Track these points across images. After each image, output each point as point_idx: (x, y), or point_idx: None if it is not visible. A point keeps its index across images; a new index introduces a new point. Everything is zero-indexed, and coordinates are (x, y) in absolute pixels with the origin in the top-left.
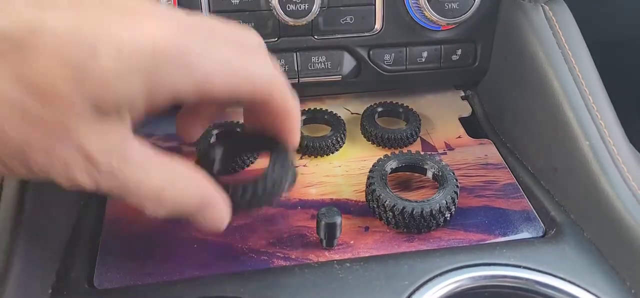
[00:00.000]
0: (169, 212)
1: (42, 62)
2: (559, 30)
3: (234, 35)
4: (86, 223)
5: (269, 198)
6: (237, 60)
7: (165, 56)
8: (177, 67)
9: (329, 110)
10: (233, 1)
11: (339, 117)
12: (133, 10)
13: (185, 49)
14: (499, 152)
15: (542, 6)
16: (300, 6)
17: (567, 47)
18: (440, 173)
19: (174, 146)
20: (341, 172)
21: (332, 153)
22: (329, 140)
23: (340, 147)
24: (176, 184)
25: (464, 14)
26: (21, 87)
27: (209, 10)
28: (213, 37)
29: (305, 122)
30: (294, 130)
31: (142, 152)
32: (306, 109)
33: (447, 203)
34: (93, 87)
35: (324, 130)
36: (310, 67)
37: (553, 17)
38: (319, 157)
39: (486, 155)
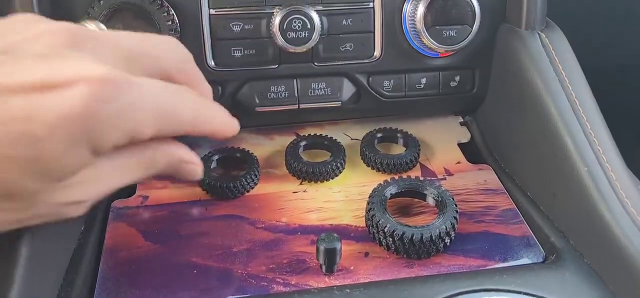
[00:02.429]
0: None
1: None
2: (556, 57)
3: (158, 62)
4: (86, 249)
5: None
6: (165, 101)
7: (99, 120)
8: (110, 125)
9: (329, 136)
10: (234, 29)
11: (339, 142)
12: (58, 78)
13: (115, 108)
14: (498, 178)
15: (538, 34)
16: (300, 34)
17: (563, 74)
18: (440, 199)
19: None
20: (341, 197)
21: (332, 178)
22: (329, 166)
23: (340, 172)
24: (149, 163)
25: (461, 42)
26: None
27: (211, 38)
28: (138, 77)
29: (305, 148)
30: (219, 137)
31: (104, 169)
32: (306, 135)
33: (447, 229)
34: (45, 173)
35: (324, 156)
36: (311, 93)
37: (549, 45)
38: (318, 182)
39: (485, 181)
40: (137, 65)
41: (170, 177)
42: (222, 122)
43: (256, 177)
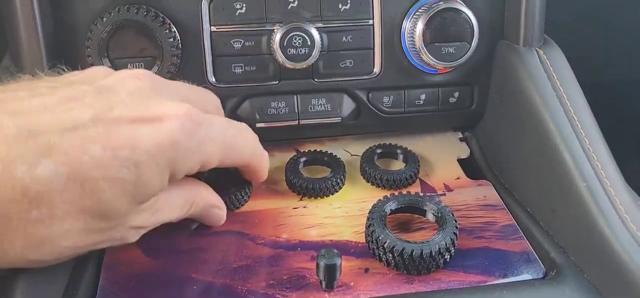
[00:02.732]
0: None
1: (95, 191)
2: (554, 74)
3: (208, 102)
4: (86, 265)
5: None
6: (230, 139)
7: (183, 150)
8: (190, 156)
9: (329, 152)
10: (235, 46)
11: (339, 158)
12: (150, 114)
13: (196, 142)
14: (498, 193)
15: (536, 50)
16: (300, 50)
17: (561, 90)
18: (440, 215)
19: None
20: (341, 213)
21: (332, 194)
22: (329, 182)
23: (340, 188)
24: (190, 199)
25: (460, 58)
26: (84, 217)
27: (212, 54)
28: (208, 115)
29: (305, 164)
30: (263, 177)
31: (165, 197)
32: (306, 151)
33: (446, 245)
34: (138, 195)
35: (324, 172)
36: (311, 109)
37: (547, 61)
38: (318, 198)
39: (485, 197)
40: (198, 107)
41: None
42: (267, 163)
43: (247, 194)
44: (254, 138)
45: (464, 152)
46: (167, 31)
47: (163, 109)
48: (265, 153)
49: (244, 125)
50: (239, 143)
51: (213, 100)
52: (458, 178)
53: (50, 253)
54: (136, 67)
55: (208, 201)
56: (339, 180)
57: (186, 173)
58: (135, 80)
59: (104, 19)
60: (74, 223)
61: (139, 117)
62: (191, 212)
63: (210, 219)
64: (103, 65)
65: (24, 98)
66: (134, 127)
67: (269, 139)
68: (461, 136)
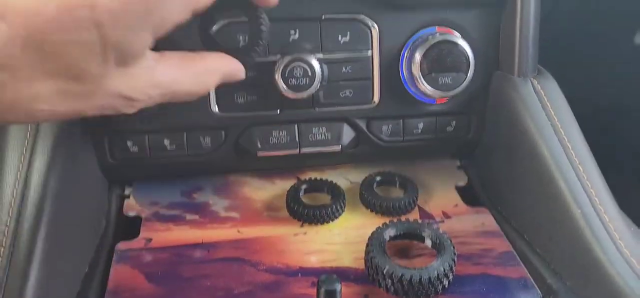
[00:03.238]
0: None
1: (59, 55)
2: (548, 103)
3: None
4: (89, 292)
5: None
6: None
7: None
8: (168, 2)
9: (329, 180)
10: None
11: (339, 186)
12: None
13: None
14: (495, 220)
15: (530, 81)
16: (301, 81)
17: (556, 119)
18: (438, 241)
19: (178, 214)
20: (341, 239)
21: (332, 221)
22: (329, 209)
23: (340, 215)
24: (201, 77)
25: (456, 88)
26: (55, 81)
27: None
28: None
29: (306, 191)
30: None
31: (166, 69)
32: (307, 179)
33: (445, 271)
34: (110, 52)
35: (324, 199)
36: (311, 138)
37: (541, 91)
38: (319, 225)
39: (483, 224)
40: None
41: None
42: None
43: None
44: None
45: (461, 179)
46: None
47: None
48: None
49: None
50: None
51: None
52: (456, 205)
53: (26, 116)
54: None
55: (224, 68)
56: (339, 207)
57: (174, 23)
58: None
59: None
60: (42, 86)
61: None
62: (208, 84)
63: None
64: None
65: None
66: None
67: (271, 168)
68: (459, 164)
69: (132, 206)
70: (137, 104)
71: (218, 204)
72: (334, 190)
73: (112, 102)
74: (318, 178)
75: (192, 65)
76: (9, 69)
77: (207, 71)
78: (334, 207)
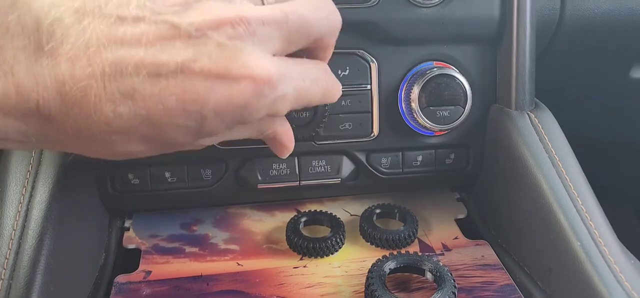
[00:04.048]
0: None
1: (164, 131)
2: (545, 136)
3: (313, 35)
4: None
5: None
6: (302, 94)
7: (252, 110)
8: (258, 113)
9: (329, 212)
10: None
11: (339, 218)
12: (230, 71)
13: (266, 102)
14: (495, 253)
15: (527, 114)
16: (302, 114)
17: (553, 152)
18: (438, 274)
19: (177, 247)
20: (341, 272)
21: (332, 254)
22: (329, 241)
23: (340, 248)
24: (261, 132)
25: (455, 121)
26: (153, 146)
27: None
28: (290, 72)
29: (305, 224)
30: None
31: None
32: (307, 211)
33: None
34: (202, 134)
35: (324, 232)
36: (311, 170)
37: (539, 124)
38: (319, 257)
39: (483, 256)
40: (295, 41)
41: None
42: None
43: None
44: (327, 81)
45: (461, 212)
46: None
47: (244, 69)
48: (338, 88)
49: (321, 67)
50: (311, 93)
51: (332, 25)
52: (456, 238)
53: (124, 156)
54: None
55: (276, 133)
56: (338, 240)
57: (258, 118)
58: (231, 29)
59: None
60: (140, 146)
61: (218, 74)
62: (258, 136)
63: (275, 150)
64: None
65: (126, 19)
66: (209, 83)
67: (271, 200)
68: (458, 196)
69: (132, 239)
70: (209, 143)
71: (218, 237)
72: (334, 223)
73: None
74: (318, 210)
75: (255, 127)
76: (126, 136)
77: (262, 130)
78: (334, 239)
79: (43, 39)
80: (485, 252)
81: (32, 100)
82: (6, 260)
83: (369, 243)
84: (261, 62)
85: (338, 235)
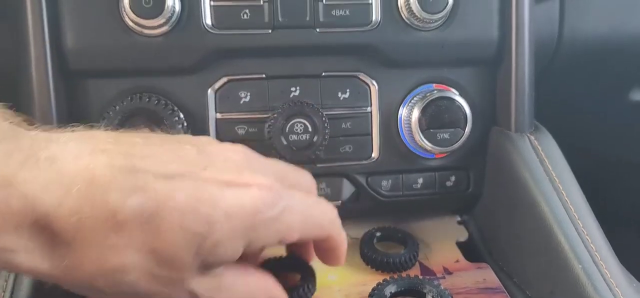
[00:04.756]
0: None
1: (169, 235)
2: (545, 159)
3: (302, 182)
4: None
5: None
6: (309, 210)
7: (262, 219)
8: (269, 226)
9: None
10: (239, 132)
11: (310, 266)
12: (238, 180)
13: (276, 212)
14: (497, 276)
15: (527, 136)
16: (302, 136)
17: (554, 174)
18: None
19: None
20: (341, 296)
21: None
22: (301, 290)
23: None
24: (255, 292)
25: (455, 144)
26: (151, 257)
27: (217, 140)
28: (291, 190)
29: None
30: (341, 258)
31: (231, 279)
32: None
33: None
34: (206, 252)
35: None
36: None
37: (539, 146)
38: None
39: (484, 280)
40: (286, 183)
41: None
42: (345, 240)
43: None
44: (332, 209)
45: (462, 235)
46: (176, 118)
47: (250, 179)
48: (343, 232)
49: (322, 199)
50: (318, 213)
51: (307, 180)
52: (457, 261)
53: (113, 283)
54: None
55: (271, 292)
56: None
57: (263, 245)
58: (232, 153)
59: (117, 108)
60: (142, 260)
61: (227, 181)
62: None
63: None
64: None
65: (138, 144)
66: (219, 188)
67: None
68: (459, 219)
69: None
70: None
71: None
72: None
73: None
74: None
75: (251, 277)
76: (128, 235)
77: (259, 287)
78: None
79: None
80: (487, 275)
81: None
82: None
83: (369, 266)
84: (263, 176)
85: (307, 285)
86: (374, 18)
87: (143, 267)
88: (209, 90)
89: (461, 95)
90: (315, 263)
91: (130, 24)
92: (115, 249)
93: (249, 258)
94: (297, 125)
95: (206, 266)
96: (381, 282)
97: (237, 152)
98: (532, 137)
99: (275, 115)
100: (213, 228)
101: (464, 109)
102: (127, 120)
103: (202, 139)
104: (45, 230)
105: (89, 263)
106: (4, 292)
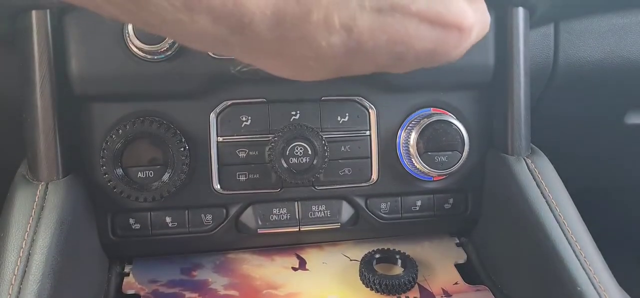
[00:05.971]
0: None
1: None
2: (542, 181)
3: None
4: None
5: None
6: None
7: (438, 58)
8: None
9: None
10: (240, 155)
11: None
12: (443, 20)
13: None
14: None
15: (524, 160)
16: (302, 159)
17: (551, 197)
18: None
19: (177, 292)
20: None
21: None
22: None
23: None
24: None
25: (452, 167)
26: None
27: (218, 163)
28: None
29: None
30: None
31: None
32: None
33: None
34: None
35: None
36: (311, 215)
37: (535, 169)
38: None
39: None
40: None
41: None
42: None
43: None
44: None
45: (461, 257)
46: (178, 141)
47: (456, 17)
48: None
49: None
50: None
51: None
52: (456, 283)
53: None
54: (148, 176)
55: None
56: None
57: None
58: None
59: (120, 131)
60: (315, 70)
61: (430, 17)
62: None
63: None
64: (116, 175)
65: None
66: (419, 26)
67: (271, 244)
68: (458, 241)
69: (131, 284)
70: None
71: (217, 282)
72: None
73: None
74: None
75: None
76: (321, 62)
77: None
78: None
79: None
80: (486, 297)
81: (247, 16)
82: None
83: (368, 288)
84: (469, 10)
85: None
86: None
87: (317, 68)
88: (211, 114)
89: (458, 119)
90: (314, 284)
91: (135, 50)
92: (310, 67)
93: None
94: (297, 148)
95: None
96: None
97: None
98: (529, 160)
99: (276, 138)
100: (399, 63)
101: (461, 132)
102: (129, 144)
103: None
104: None
105: (272, 68)
106: (15, 275)
